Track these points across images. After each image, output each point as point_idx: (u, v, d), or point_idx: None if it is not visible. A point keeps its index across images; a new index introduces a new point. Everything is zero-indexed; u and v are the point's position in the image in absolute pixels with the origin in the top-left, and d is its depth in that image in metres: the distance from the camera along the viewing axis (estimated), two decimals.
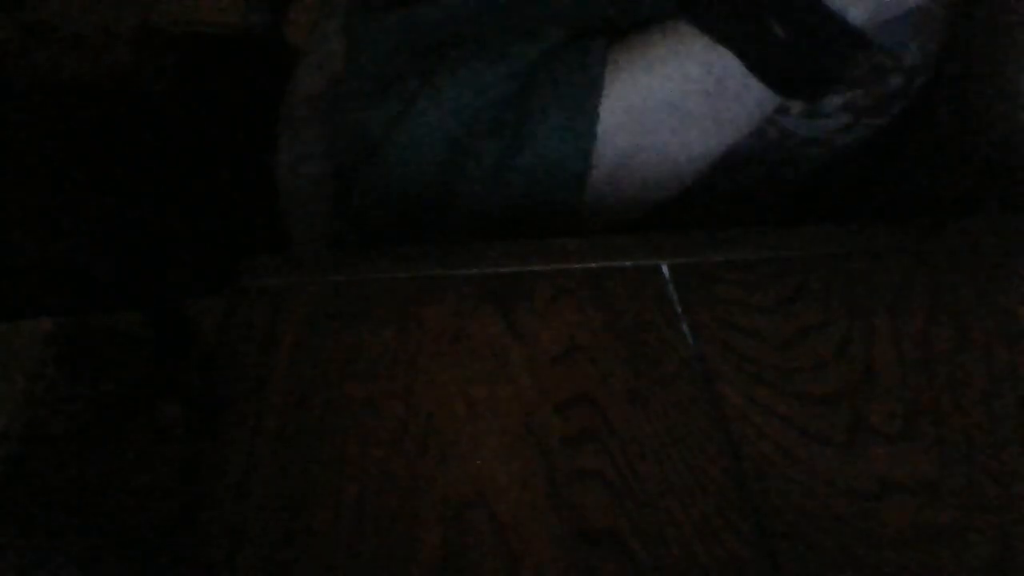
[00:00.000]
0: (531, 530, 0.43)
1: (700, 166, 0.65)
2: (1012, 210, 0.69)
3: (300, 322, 0.52)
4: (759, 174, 0.71)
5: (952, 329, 0.52)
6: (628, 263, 0.55)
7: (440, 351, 0.50)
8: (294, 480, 0.45)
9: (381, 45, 0.68)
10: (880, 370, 0.49)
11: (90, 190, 0.93)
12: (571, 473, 0.45)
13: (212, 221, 0.93)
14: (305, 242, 0.75)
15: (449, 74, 0.64)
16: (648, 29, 0.64)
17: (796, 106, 0.67)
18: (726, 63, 0.61)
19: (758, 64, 0.61)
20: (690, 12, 0.62)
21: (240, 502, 0.44)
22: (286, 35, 1.07)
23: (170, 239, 0.92)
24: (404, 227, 0.67)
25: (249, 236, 0.92)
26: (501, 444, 0.46)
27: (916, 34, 0.67)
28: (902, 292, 0.54)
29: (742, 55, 0.61)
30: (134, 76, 1.01)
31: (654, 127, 0.63)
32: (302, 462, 0.45)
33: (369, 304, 0.53)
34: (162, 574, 1.03)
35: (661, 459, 0.45)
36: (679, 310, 0.52)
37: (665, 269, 0.54)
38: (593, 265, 0.55)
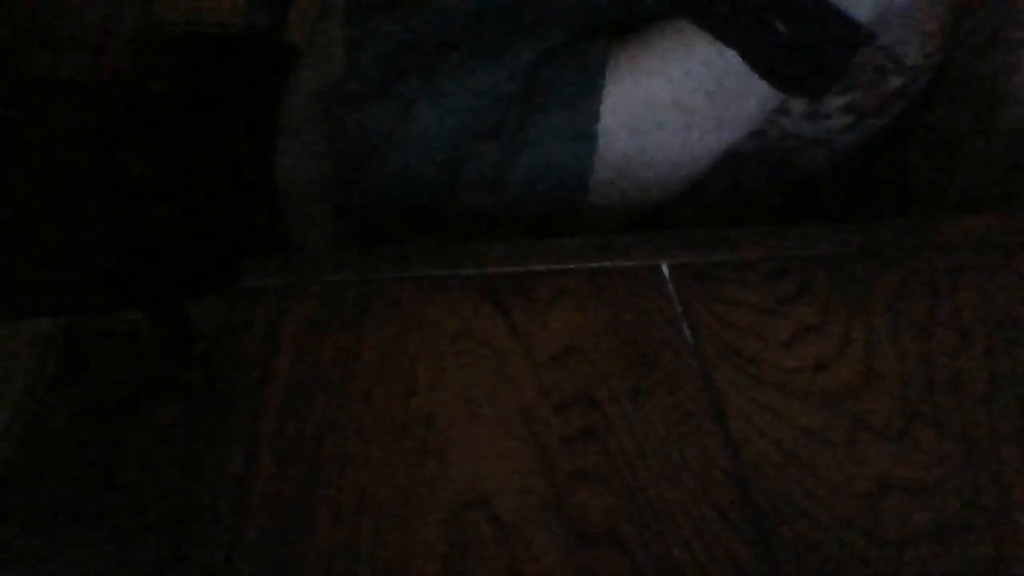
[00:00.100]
0: (531, 530, 0.43)
1: (702, 165, 0.65)
2: (1012, 210, 0.69)
3: (300, 322, 0.52)
4: (759, 174, 0.71)
5: (952, 329, 0.52)
6: (628, 263, 0.55)
7: (440, 351, 0.50)
8: (294, 480, 0.45)
9: (381, 45, 0.68)
10: (880, 370, 0.49)
11: (90, 190, 0.93)
12: (571, 473, 0.45)
13: (212, 221, 0.93)
14: (305, 242, 0.75)
15: (449, 74, 0.64)
16: (649, 28, 0.64)
17: (797, 107, 0.67)
18: (727, 62, 0.61)
19: (760, 62, 0.61)
20: (691, 11, 0.62)
21: (240, 502, 0.44)
22: (286, 35, 1.07)
23: (170, 239, 0.92)
24: (404, 227, 0.67)
25: (249, 236, 0.92)
26: (501, 444, 0.46)
27: (917, 34, 0.67)
28: (902, 292, 0.54)
29: (744, 53, 0.61)
30: (134, 76, 1.01)
31: (655, 127, 0.63)
32: (302, 462, 0.45)
33: (369, 304, 0.53)
34: (162, 574, 1.03)
35: (661, 459, 0.45)
36: (679, 310, 0.52)
37: (665, 269, 0.54)
38: (593, 265, 0.55)
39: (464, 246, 0.56)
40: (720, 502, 0.44)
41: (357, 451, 0.46)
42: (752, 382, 0.49)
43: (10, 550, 1.09)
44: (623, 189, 0.64)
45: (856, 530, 0.43)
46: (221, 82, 1.03)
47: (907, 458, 0.46)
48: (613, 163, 0.63)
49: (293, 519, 0.43)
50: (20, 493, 1.16)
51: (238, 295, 0.53)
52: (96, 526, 1.11)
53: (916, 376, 0.49)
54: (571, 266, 0.55)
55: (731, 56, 0.61)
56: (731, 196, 0.70)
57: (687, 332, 0.51)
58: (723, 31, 0.61)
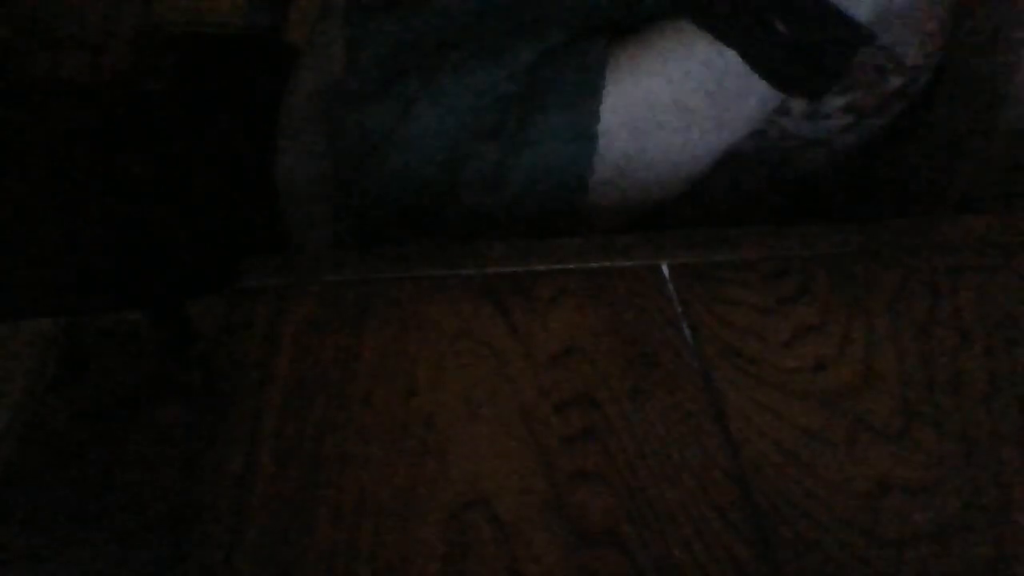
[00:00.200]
0: (531, 530, 0.43)
1: (702, 165, 0.65)
2: (1012, 210, 0.69)
3: (300, 322, 0.52)
4: (759, 174, 0.71)
5: (952, 329, 0.52)
6: (628, 263, 0.55)
7: (440, 351, 0.50)
8: (294, 480, 0.45)
9: (381, 45, 0.68)
10: (880, 370, 0.49)
11: (90, 190, 0.93)
12: (571, 473, 0.45)
13: (212, 221, 0.93)
14: (305, 242, 0.75)
15: (449, 74, 0.64)
16: (649, 28, 0.64)
17: (797, 107, 0.67)
18: (728, 62, 0.61)
19: (760, 62, 0.61)
20: (691, 11, 0.62)
21: (240, 502, 0.44)
22: (286, 35, 1.07)
23: (170, 239, 0.92)
24: (404, 227, 0.67)
25: (249, 236, 0.92)
26: (501, 444, 0.46)
27: (917, 34, 0.67)
28: (902, 292, 0.54)
29: (744, 53, 0.61)
30: (134, 76, 1.01)
31: (655, 127, 0.63)
32: (302, 462, 0.45)
33: (369, 304, 0.53)
34: (162, 574, 1.03)
35: (661, 459, 0.45)
36: (679, 310, 0.52)
37: (665, 269, 0.54)
38: (593, 265, 0.55)
39: (464, 246, 0.56)
40: (720, 502, 0.44)
41: (357, 451, 0.46)
42: (752, 382, 0.49)
43: (10, 550, 1.09)
44: (623, 189, 0.64)
45: (856, 530, 0.43)
46: (221, 82, 1.03)
47: (907, 458, 0.46)
48: (613, 163, 0.63)
49: (293, 519, 0.43)
50: (20, 493, 1.16)
51: (238, 295, 0.53)
52: (96, 526, 1.11)
53: (916, 376, 0.49)
54: (571, 266, 0.55)
55: (731, 56, 0.61)
56: (731, 196, 0.70)
57: (687, 332, 0.51)
58: (723, 31, 0.61)
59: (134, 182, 0.94)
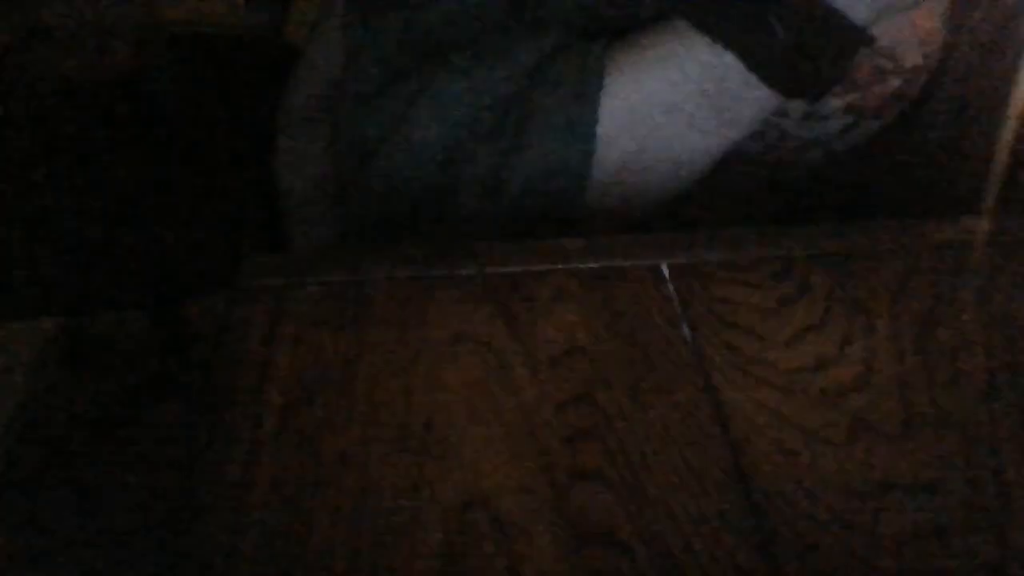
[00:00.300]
0: (531, 530, 0.43)
1: (701, 166, 0.65)
2: (1012, 210, 0.69)
3: (300, 322, 0.52)
4: (759, 176, 0.71)
5: (952, 329, 0.52)
6: (628, 263, 0.55)
7: (440, 351, 0.50)
8: (294, 480, 0.45)
9: (380, 46, 0.68)
10: (880, 370, 0.49)
11: (90, 190, 0.93)
12: (571, 473, 0.45)
13: (212, 221, 0.93)
14: (305, 242, 0.75)
15: (449, 76, 0.64)
16: (647, 31, 0.64)
17: (796, 109, 0.67)
18: (726, 64, 0.61)
19: (759, 64, 0.61)
20: (689, 13, 0.62)
21: (240, 502, 0.44)
22: (286, 35, 1.07)
23: (170, 239, 0.92)
24: (404, 228, 0.67)
25: (249, 236, 0.92)
26: (501, 444, 0.46)
27: (916, 35, 0.67)
28: (902, 292, 0.54)
29: (742, 55, 0.61)
30: (134, 76, 1.01)
31: (654, 128, 0.63)
32: (302, 462, 0.45)
33: (369, 304, 0.53)
34: (162, 574, 1.03)
35: (661, 459, 0.45)
36: (679, 310, 0.52)
37: (665, 269, 0.54)
38: (593, 265, 0.55)
39: (464, 246, 0.56)
40: (720, 502, 0.44)
41: (357, 451, 0.46)
42: (752, 382, 0.49)
43: (10, 550, 1.09)
44: (622, 191, 0.64)
45: (856, 530, 0.43)
46: (221, 82, 1.04)
47: (907, 458, 0.46)
48: (612, 165, 0.63)
49: (293, 519, 0.43)
50: (20, 493, 1.16)
51: (238, 295, 0.53)
52: (96, 526, 1.11)
53: (916, 376, 0.49)
54: (571, 266, 0.55)
55: (730, 58, 0.61)
56: (730, 197, 0.70)
57: (687, 332, 0.51)
58: (721, 33, 0.61)
59: (134, 182, 0.94)
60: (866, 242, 0.56)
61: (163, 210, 0.93)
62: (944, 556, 0.42)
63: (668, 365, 0.50)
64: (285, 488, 0.44)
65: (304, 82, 0.76)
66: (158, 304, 1.08)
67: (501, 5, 0.66)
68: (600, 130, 0.62)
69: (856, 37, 0.60)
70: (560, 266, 0.55)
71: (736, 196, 0.71)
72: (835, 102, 0.67)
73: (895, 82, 0.68)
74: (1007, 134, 0.70)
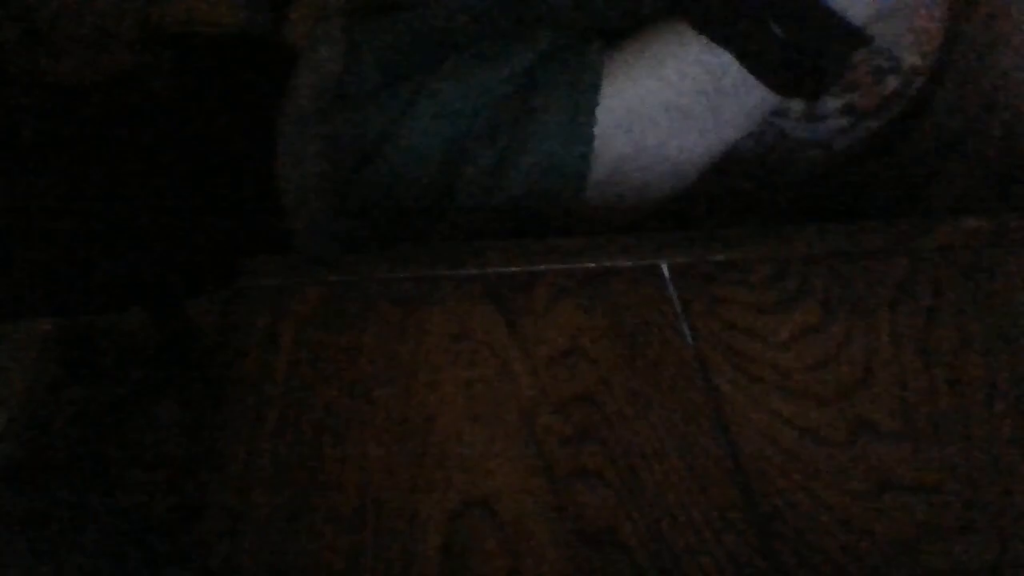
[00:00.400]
0: (531, 530, 0.43)
1: (700, 166, 0.65)
2: (1012, 210, 0.69)
3: (300, 322, 0.52)
4: (758, 176, 0.71)
5: (952, 329, 0.52)
6: (628, 263, 0.55)
7: (440, 351, 0.50)
8: (294, 479, 0.45)
9: (380, 47, 0.68)
10: (880, 370, 0.49)
11: (90, 190, 0.93)
12: (571, 473, 0.45)
13: (212, 221, 0.93)
14: (305, 242, 0.75)
15: (447, 76, 0.64)
16: (645, 30, 0.64)
17: (794, 109, 0.67)
18: (723, 63, 0.61)
19: (756, 64, 0.61)
20: (687, 12, 0.62)
21: (240, 502, 0.44)
22: (286, 35, 1.07)
23: (170, 239, 0.92)
24: (404, 228, 0.67)
25: (249, 236, 0.92)
26: (501, 444, 0.46)
27: (914, 36, 0.67)
28: (902, 292, 0.54)
29: (740, 55, 0.61)
30: (134, 76, 1.01)
31: (652, 128, 0.63)
32: (302, 461, 0.45)
33: (369, 304, 0.53)
34: (162, 573, 1.03)
35: (661, 459, 0.45)
36: (679, 310, 0.52)
37: (665, 269, 0.54)
38: (593, 265, 0.55)
39: (464, 246, 0.56)
40: (720, 502, 0.44)
41: (357, 451, 0.46)
42: (752, 382, 0.49)
43: (10, 550, 1.09)
44: (620, 190, 0.64)
45: (856, 530, 0.43)
46: (221, 82, 1.03)
47: (907, 458, 0.46)
48: (610, 164, 0.63)
49: (293, 519, 0.43)
50: (20, 493, 1.16)
51: (238, 295, 0.53)
52: (96, 526, 1.11)
53: (916, 376, 0.49)
54: (571, 266, 0.55)
55: (727, 58, 0.61)
56: (730, 197, 0.70)
57: (687, 332, 0.51)
58: (719, 33, 0.61)
59: (134, 182, 0.94)
60: (866, 242, 0.56)
61: (163, 210, 0.93)
62: (944, 556, 0.42)
63: (668, 365, 0.50)
64: (285, 489, 0.44)
65: (304, 82, 0.76)
66: (158, 304, 1.08)
67: (499, 6, 0.66)
68: (597, 130, 0.62)
69: (853, 37, 0.61)
70: (560, 266, 0.55)
71: (736, 196, 0.71)
72: (833, 102, 0.67)
73: (893, 82, 0.68)
74: (1007, 133, 0.70)
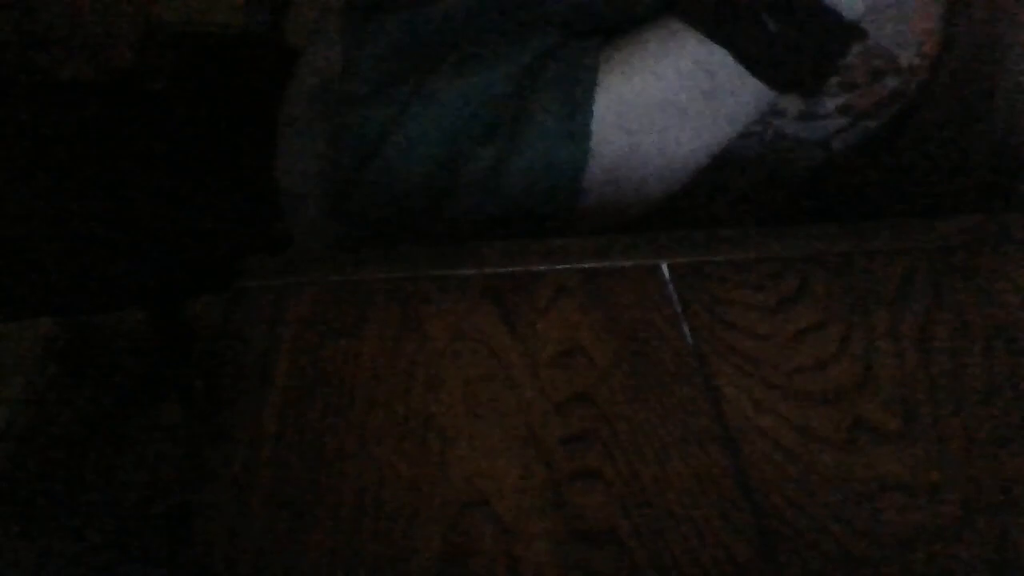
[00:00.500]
0: (531, 530, 0.43)
1: (696, 163, 0.65)
2: (1012, 210, 0.69)
3: (300, 322, 0.52)
4: (757, 176, 0.71)
5: (952, 329, 0.52)
6: (628, 263, 0.55)
7: (440, 351, 0.50)
8: (294, 480, 0.45)
9: (378, 46, 0.68)
10: (880, 370, 0.49)
11: (90, 190, 0.93)
12: (571, 473, 0.45)
13: (212, 221, 0.93)
14: (305, 242, 0.75)
15: (445, 76, 0.64)
16: (641, 28, 0.64)
17: (792, 108, 0.67)
18: (719, 60, 0.61)
19: (752, 60, 0.61)
20: (683, 9, 0.62)
21: (240, 502, 0.44)
22: (286, 35, 1.07)
23: (170, 239, 0.92)
24: (403, 228, 0.67)
25: (249, 236, 0.92)
26: (501, 444, 0.46)
27: (912, 35, 0.67)
28: (902, 292, 0.54)
29: (735, 51, 0.61)
30: (134, 76, 1.01)
31: (649, 125, 0.63)
32: (302, 462, 0.45)
33: (369, 304, 0.53)
34: (161, 574, 1.03)
35: (661, 459, 0.45)
36: (679, 310, 0.52)
37: (665, 269, 0.54)
38: (593, 265, 0.55)
39: (464, 246, 0.56)
40: (720, 502, 0.44)
41: (357, 451, 0.46)
42: (752, 382, 0.49)
43: (10, 550, 1.09)
44: (618, 188, 0.64)
45: (856, 530, 0.43)
46: (221, 82, 1.04)
47: (907, 458, 0.46)
48: (607, 162, 0.63)
49: (293, 519, 0.43)
50: (20, 493, 1.16)
51: (238, 295, 0.53)
52: (96, 526, 1.11)
53: (916, 376, 0.49)
54: (571, 266, 0.55)
55: (723, 54, 0.61)
56: (731, 197, 0.70)
57: (687, 332, 0.51)
58: (714, 29, 0.61)
59: (134, 182, 0.94)
60: (866, 242, 0.56)
61: (163, 210, 0.93)
62: (944, 556, 0.42)
63: (668, 365, 0.50)
64: (285, 488, 0.44)
65: (304, 82, 0.76)
66: (158, 304, 1.08)
67: (497, 6, 0.66)
68: (594, 128, 0.62)
69: (848, 32, 0.61)
70: (560, 266, 0.55)
71: (736, 196, 0.71)
72: (832, 102, 0.67)
73: (892, 82, 0.68)
74: (1007, 133, 0.70)
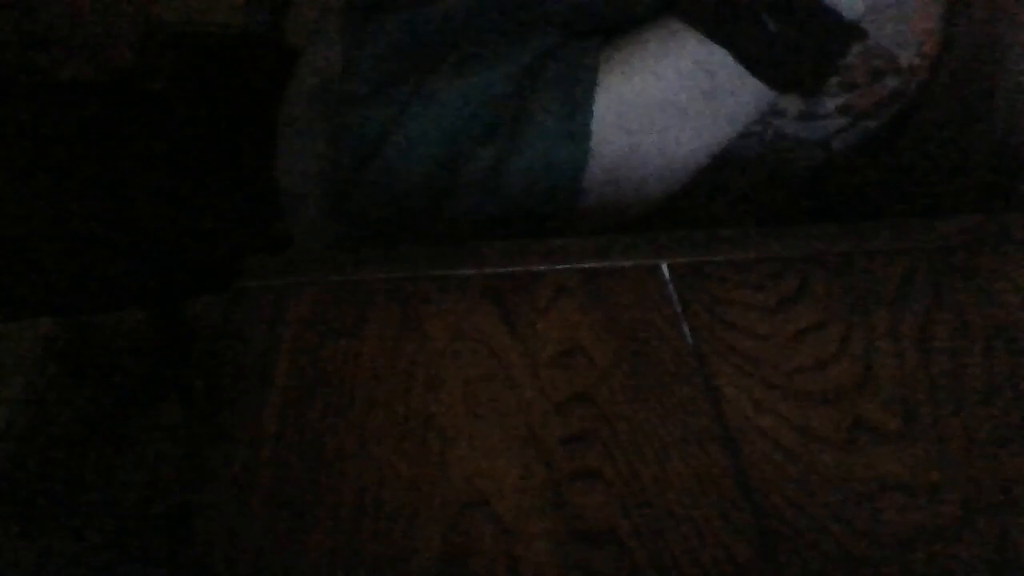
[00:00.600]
0: (531, 530, 0.43)
1: (696, 163, 0.65)
2: (1012, 210, 0.69)
3: (300, 322, 0.52)
4: (757, 176, 0.71)
5: (952, 329, 0.52)
6: (628, 263, 0.55)
7: (440, 351, 0.50)
8: (294, 480, 0.45)
9: (378, 46, 0.68)
10: (880, 370, 0.49)
11: (90, 190, 0.93)
12: (571, 473, 0.45)
13: (212, 221, 0.93)
14: (305, 242, 0.75)
15: (445, 76, 0.64)
16: (641, 28, 0.64)
17: (792, 108, 0.67)
18: (719, 59, 0.61)
19: (752, 59, 0.61)
20: (682, 9, 0.62)
21: (240, 502, 0.44)
22: (286, 35, 1.07)
23: (170, 239, 0.92)
24: (403, 228, 0.67)
25: (249, 236, 0.92)
26: (501, 444, 0.46)
27: (912, 35, 0.67)
28: (902, 292, 0.54)
29: (735, 51, 0.61)
30: (134, 76, 1.01)
31: (649, 125, 0.63)
32: (302, 462, 0.45)
33: (369, 304, 0.53)
34: (161, 574, 1.03)
35: (661, 459, 0.45)
36: (679, 310, 0.52)
37: (665, 269, 0.54)
38: (593, 265, 0.55)
39: (464, 246, 0.56)
40: (720, 502, 0.44)
41: (357, 451, 0.46)
42: (752, 382, 0.49)
43: (10, 550, 1.09)
44: (618, 188, 0.64)
45: (856, 530, 0.43)
46: (221, 82, 1.04)
47: (907, 458, 0.46)
48: (607, 162, 0.63)
49: (293, 519, 0.43)
50: (20, 493, 1.16)
51: (238, 295, 0.53)
52: (96, 526, 1.11)
53: (916, 376, 0.49)
54: (571, 266, 0.55)
55: (722, 54, 0.61)
56: (731, 197, 0.70)
57: (687, 332, 0.51)
58: (714, 29, 0.61)
59: (134, 182, 0.94)
60: (866, 242, 0.56)
61: (163, 210, 0.93)
62: (944, 556, 0.42)
63: (668, 365, 0.50)
64: (285, 488, 0.44)
65: (304, 82, 0.76)
66: (158, 304, 1.08)
67: (497, 6, 0.66)
68: (594, 128, 0.62)
69: (848, 31, 0.61)
70: (560, 266, 0.55)
71: (736, 196, 0.71)
72: (832, 102, 0.67)
73: (891, 82, 0.68)
74: (1007, 133, 0.70)
